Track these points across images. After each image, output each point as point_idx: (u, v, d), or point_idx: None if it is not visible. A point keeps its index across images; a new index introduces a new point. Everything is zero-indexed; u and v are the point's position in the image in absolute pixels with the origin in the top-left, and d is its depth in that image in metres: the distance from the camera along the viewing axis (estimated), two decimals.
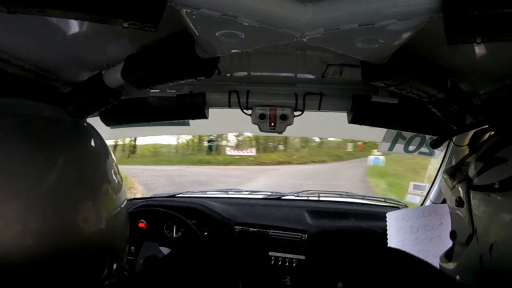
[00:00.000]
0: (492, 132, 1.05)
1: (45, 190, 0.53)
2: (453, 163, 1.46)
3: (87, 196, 0.57)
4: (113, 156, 0.67)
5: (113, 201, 0.62)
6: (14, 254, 0.50)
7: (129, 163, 12.78)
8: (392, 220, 1.48)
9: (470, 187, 0.87)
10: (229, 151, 14.67)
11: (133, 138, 13.46)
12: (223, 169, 12.84)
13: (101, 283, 0.60)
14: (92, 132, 0.65)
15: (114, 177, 0.63)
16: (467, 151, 1.40)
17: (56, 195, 0.54)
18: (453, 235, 0.96)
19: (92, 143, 0.64)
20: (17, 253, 0.50)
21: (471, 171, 0.89)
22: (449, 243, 1.16)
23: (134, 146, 14.69)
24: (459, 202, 0.90)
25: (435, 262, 1.07)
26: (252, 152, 14.51)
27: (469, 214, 0.86)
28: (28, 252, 0.51)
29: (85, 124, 0.65)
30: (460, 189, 0.90)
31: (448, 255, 1.01)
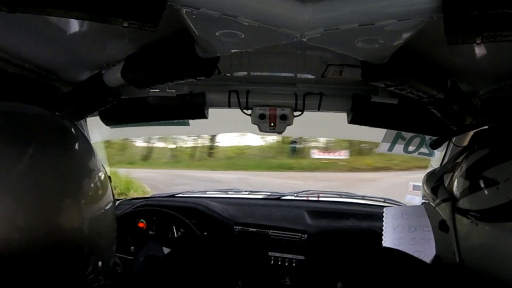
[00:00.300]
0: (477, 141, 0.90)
1: (23, 187, 0.53)
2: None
3: (67, 194, 0.57)
4: (98, 157, 0.68)
5: (96, 200, 0.62)
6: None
7: (197, 167, 10.91)
8: (390, 216, 1.42)
9: (455, 210, 0.76)
10: (316, 154, 11.61)
11: (210, 138, 11.74)
12: (307, 178, 9.29)
13: (88, 280, 0.60)
14: (76, 131, 0.65)
15: (98, 177, 0.64)
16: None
17: (35, 192, 0.54)
18: (437, 260, 0.86)
19: (75, 143, 0.64)
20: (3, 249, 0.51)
21: (456, 189, 0.78)
22: None
23: (212, 148, 12.78)
24: (443, 227, 0.80)
25: None
26: (344, 155, 11.23)
27: (455, 241, 0.76)
28: (5, 248, 0.51)
29: (69, 123, 0.65)
30: (443, 210, 0.80)
31: None
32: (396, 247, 1.26)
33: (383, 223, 1.42)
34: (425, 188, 0.92)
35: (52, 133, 0.61)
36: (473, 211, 0.71)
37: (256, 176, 9.57)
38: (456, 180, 0.78)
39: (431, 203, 0.87)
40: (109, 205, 0.66)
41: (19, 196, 0.53)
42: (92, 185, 0.62)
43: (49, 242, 0.54)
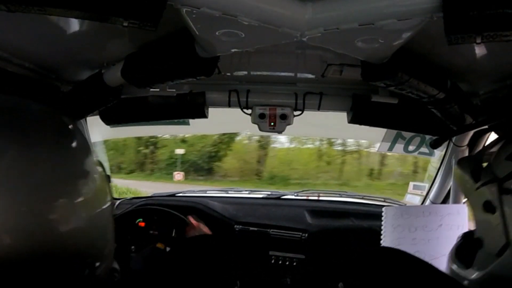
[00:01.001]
0: None
1: (17, 186, 0.52)
2: (453, 163, 1.46)
3: (62, 194, 0.56)
4: (96, 156, 0.67)
5: (93, 201, 0.62)
6: None
7: None
8: (389, 215, 1.41)
9: (503, 191, 0.77)
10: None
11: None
12: None
13: (86, 281, 0.60)
14: (74, 130, 0.64)
15: (95, 177, 0.63)
16: (467, 152, 1.40)
17: (29, 191, 0.53)
18: (478, 243, 0.85)
19: (73, 141, 0.63)
20: None
21: (501, 171, 0.79)
22: (446, 246, 1.13)
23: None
24: (489, 208, 0.80)
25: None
26: None
27: (503, 222, 0.76)
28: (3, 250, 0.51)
29: (67, 121, 0.65)
30: (488, 192, 0.80)
31: (464, 260, 0.90)
32: (396, 247, 1.27)
33: (382, 222, 1.42)
34: (461, 171, 0.91)
35: (49, 129, 0.60)
36: None
37: None
38: (501, 164, 0.80)
39: (468, 187, 0.88)
40: (107, 204, 0.65)
41: (13, 195, 0.52)
42: (90, 184, 0.61)
43: (45, 243, 0.53)
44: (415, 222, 1.37)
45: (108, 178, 0.69)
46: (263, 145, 9.82)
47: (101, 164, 0.68)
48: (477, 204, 0.84)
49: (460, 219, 1.32)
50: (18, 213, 0.51)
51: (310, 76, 1.26)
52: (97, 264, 0.62)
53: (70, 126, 0.64)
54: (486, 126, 1.10)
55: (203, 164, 9.95)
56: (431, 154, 1.63)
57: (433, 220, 1.36)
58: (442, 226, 1.34)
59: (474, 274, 0.84)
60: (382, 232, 1.41)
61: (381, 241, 1.40)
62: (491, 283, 0.80)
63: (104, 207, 0.64)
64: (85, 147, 0.65)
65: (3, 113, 0.56)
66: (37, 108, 0.62)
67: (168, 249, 1.54)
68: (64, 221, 0.56)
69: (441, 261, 1.22)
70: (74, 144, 0.62)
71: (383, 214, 1.43)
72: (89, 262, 0.61)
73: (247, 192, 2.10)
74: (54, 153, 0.58)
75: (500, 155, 0.82)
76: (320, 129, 1.99)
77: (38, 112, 0.61)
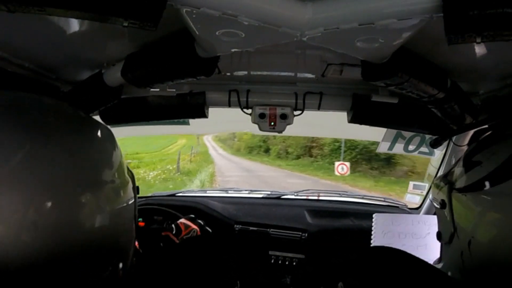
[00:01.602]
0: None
1: (45, 183, 0.52)
2: (453, 162, 1.46)
3: (90, 192, 0.56)
4: (121, 152, 0.66)
5: (119, 198, 0.61)
6: (12, 250, 0.49)
7: None
8: (380, 222, 1.51)
9: (452, 190, 0.94)
10: None
11: None
12: None
13: (105, 281, 0.59)
14: (100, 126, 0.64)
15: (121, 174, 0.62)
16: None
17: (57, 188, 0.53)
18: (438, 235, 1.03)
19: (100, 138, 0.62)
20: (16, 249, 0.49)
21: (454, 176, 0.97)
22: (434, 252, 1.20)
23: None
24: (442, 204, 0.98)
25: None
26: None
27: (450, 214, 0.92)
28: (26, 247, 0.50)
29: (92, 118, 0.64)
30: (443, 192, 0.97)
31: (439, 258, 1.07)
32: None
33: (372, 227, 1.49)
34: (435, 182, 1.11)
35: (76, 127, 0.59)
36: (463, 187, 0.89)
37: None
38: (455, 170, 0.99)
39: (436, 190, 1.08)
40: (131, 201, 0.64)
41: (40, 193, 0.51)
42: (117, 181, 0.60)
43: (72, 241, 0.52)
44: (405, 229, 1.47)
45: (132, 175, 0.68)
46: None
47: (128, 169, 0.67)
48: (437, 203, 1.02)
49: None
50: (42, 209, 0.51)
51: (310, 76, 1.26)
52: (121, 263, 0.62)
53: (97, 124, 0.63)
54: (486, 126, 1.10)
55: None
56: (431, 153, 1.63)
57: (421, 229, 1.47)
58: (430, 234, 1.43)
59: (441, 265, 0.99)
60: (372, 236, 1.48)
61: (371, 243, 1.46)
62: (449, 266, 0.94)
63: (129, 205, 0.63)
64: (113, 145, 0.64)
65: (24, 110, 0.56)
66: (63, 106, 0.60)
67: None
68: (89, 218, 0.55)
69: None
70: (103, 142, 0.61)
71: (373, 220, 1.51)
72: (114, 262, 0.60)
73: (247, 191, 2.11)
74: (80, 149, 0.57)
75: (459, 162, 0.99)
76: (320, 129, 1.99)
77: (64, 109, 0.60)
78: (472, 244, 0.81)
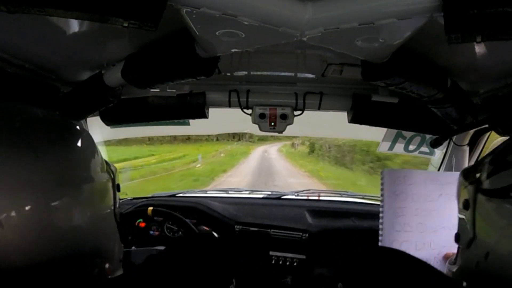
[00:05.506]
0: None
1: (28, 188, 0.52)
2: (453, 162, 1.46)
3: (70, 196, 0.56)
4: (103, 157, 0.66)
5: (94, 197, 0.61)
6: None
7: None
8: (391, 179, 1.27)
9: (478, 190, 0.82)
10: None
11: None
12: None
13: (94, 281, 0.59)
14: (82, 132, 0.64)
15: (101, 178, 0.63)
16: (467, 151, 1.40)
17: (37, 193, 0.53)
18: (457, 237, 0.92)
19: (80, 144, 0.63)
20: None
21: (482, 174, 0.84)
22: (446, 218, 1.12)
23: None
24: (465, 205, 0.87)
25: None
26: None
27: (472, 218, 0.83)
28: (8, 251, 0.50)
29: (74, 123, 0.64)
30: (468, 191, 0.86)
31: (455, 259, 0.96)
32: (399, 217, 1.21)
33: (381, 187, 1.29)
34: (460, 177, 0.95)
35: (57, 133, 0.60)
36: (491, 190, 0.77)
37: None
38: (483, 167, 0.85)
39: (461, 187, 0.94)
40: (111, 205, 0.65)
41: (19, 197, 0.51)
42: (96, 185, 0.61)
43: (50, 244, 0.53)
44: (418, 189, 1.28)
45: (114, 178, 0.69)
46: None
47: (107, 164, 0.67)
48: (460, 202, 0.90)
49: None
50: (26, 215, 0.51)
51: (310, 75, 1.26)
52: (107, 264, 0.62)
53: (77, 128, 0.63)
54: (486, 125, 1.10)
55: None
56: (431, 153, 1.63)
57: (434, 189, 1.29)
58: (442, 196, 1.28)
59: (455, 268, 0.89)
60: (381, 199, 1.28)
61: (380, 210, 1.27)
62: (463, 273, 0.85)
63: (110, 208, 0.64)
64: (93, 150, 0.64)
65: (9, 120, 0.56)
66: (47, 113, 0.61)
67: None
68: (69, 222, 0.56)
69: (440, 235, 1.19)
70: (81, 147, 0.62)
71: (381, 177, 1.29)
72: (98, 263, 0.60)
73: (247, 192, 2.10)
74: (61, 156, 0.57)
75: (487, 158, 0.86)
76: (321, 129, 1.98)
77: (45, 116, 0.61)
78: (490, 257, 0.73)
